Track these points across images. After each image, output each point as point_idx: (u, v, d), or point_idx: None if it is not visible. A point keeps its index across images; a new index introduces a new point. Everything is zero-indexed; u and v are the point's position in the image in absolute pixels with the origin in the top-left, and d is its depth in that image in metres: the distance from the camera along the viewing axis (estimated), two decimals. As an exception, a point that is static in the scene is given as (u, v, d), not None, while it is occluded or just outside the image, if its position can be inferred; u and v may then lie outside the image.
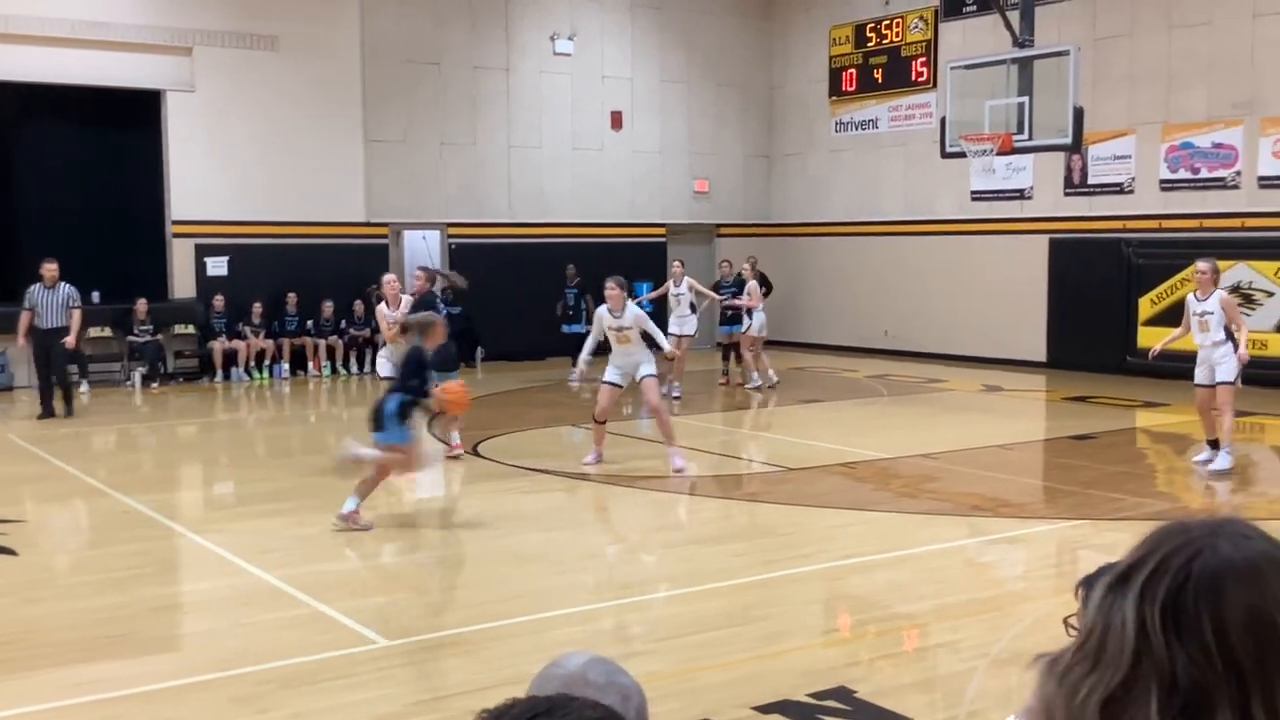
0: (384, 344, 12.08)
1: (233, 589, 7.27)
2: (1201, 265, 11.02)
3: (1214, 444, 11.02)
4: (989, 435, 12.69)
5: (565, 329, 18.96)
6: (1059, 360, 18.12)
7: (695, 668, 5.79)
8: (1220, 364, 10.77)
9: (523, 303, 20.24)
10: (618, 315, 10.83)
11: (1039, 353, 18.35)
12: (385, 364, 11.58)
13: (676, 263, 17.27)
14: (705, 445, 12.75)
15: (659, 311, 15.82)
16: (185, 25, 17.99)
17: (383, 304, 11.70)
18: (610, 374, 11.02)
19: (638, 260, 21.81)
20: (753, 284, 16.57)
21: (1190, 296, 11.20)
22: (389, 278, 12.01)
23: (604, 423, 11.06)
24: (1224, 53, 16.44)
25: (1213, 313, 10.80)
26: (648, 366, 10.85)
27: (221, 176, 18.29)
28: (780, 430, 14.08)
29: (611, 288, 10.89)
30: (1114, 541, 8.08)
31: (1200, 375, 10.98)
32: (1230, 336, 10.75)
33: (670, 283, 16.67)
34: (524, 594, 7.10)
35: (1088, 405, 14.26)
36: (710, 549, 8.25)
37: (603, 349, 11.12)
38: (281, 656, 5.97)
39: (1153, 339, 17.10)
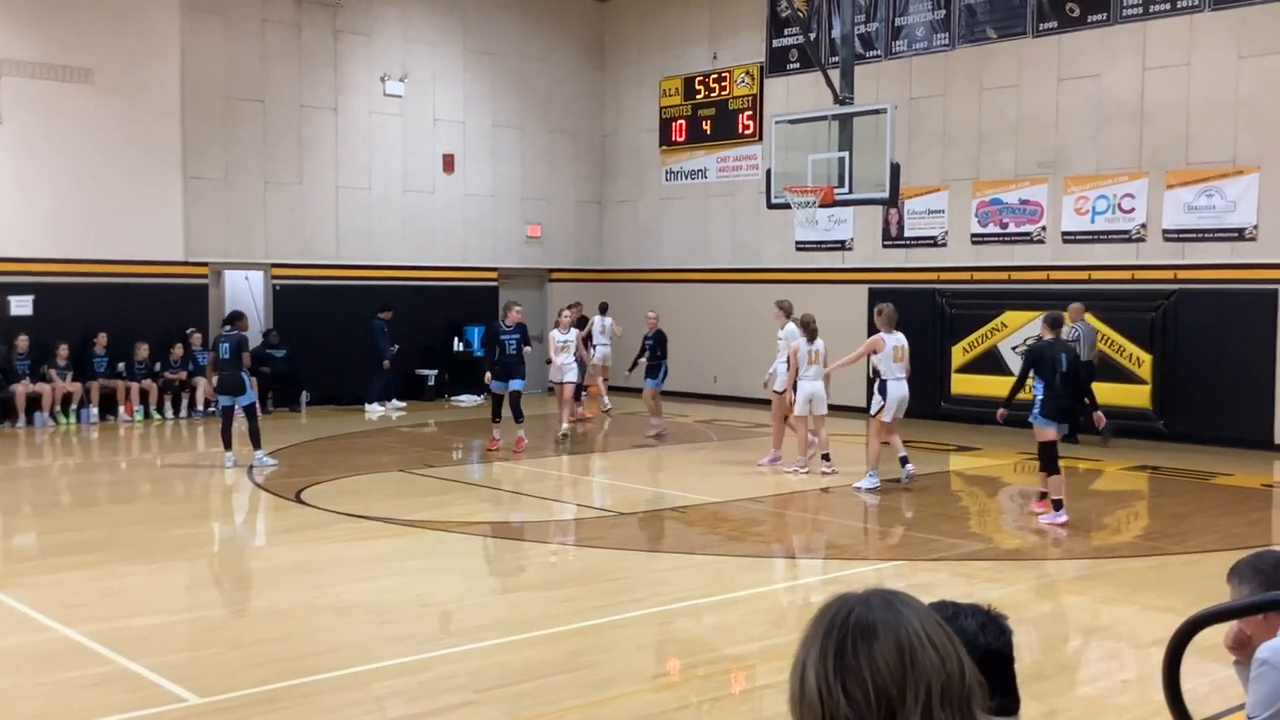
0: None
1: (32, 646, 6.83)
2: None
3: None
4: (812, 479, 12.98)
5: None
6: (879, 406, 18.65)
7: (524, 717, 5.71)
8: None
9: (350, 346, 19.84)
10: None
11: (859, 399, 18.87)
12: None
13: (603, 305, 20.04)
14: (535, 490, 12.67)
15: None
16: (-9, 53, 17.17)
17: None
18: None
19: (468, 304, 21.72)
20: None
21: None
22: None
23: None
24: (1030, 114, 17.38)
25: None
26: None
27: (28, 211, 17.43)
28: (611, 475, 14.11)
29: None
30: (931, 581, 8.35)
31: None
32: None
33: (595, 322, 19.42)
34: (345, 646, 6.89)
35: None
36: (539, 595, 8.17)
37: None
38: (83, 717, 5.64)
39: (965, 386, 17.92)
